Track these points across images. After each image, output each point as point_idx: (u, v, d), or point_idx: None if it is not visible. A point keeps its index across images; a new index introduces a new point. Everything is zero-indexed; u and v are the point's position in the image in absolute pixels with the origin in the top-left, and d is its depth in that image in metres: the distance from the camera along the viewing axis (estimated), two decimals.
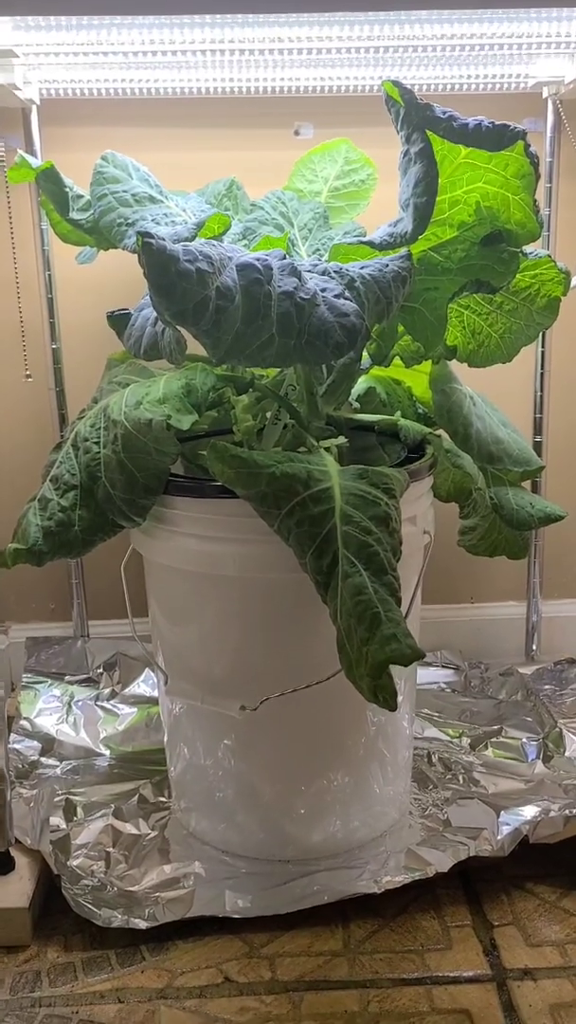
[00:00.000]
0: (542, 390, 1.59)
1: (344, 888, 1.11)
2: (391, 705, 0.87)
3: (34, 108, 1.43)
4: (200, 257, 0.85)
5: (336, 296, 0.91)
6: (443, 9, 1.14)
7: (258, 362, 0.88)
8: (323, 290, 0.91)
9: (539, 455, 1.60)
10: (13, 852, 1.14)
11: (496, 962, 1.05)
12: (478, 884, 1.17)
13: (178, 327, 0.93)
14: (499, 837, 1.16)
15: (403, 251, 1.02)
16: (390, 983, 1.02)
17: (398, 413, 1.30)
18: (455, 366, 1.26)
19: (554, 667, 1.63)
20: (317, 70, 1.37)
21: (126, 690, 1.55)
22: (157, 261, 0.83)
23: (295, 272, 0.90)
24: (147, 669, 1.56)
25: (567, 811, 1.19)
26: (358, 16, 1.16)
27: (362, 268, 0.97)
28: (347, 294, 0.92)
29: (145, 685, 1.56)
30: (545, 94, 1.45)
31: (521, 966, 1.04)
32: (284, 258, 0.93)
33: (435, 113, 0.98)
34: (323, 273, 0.95)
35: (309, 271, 0.94)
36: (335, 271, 0.95)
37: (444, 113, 0.98)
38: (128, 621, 1.23)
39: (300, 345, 0.88)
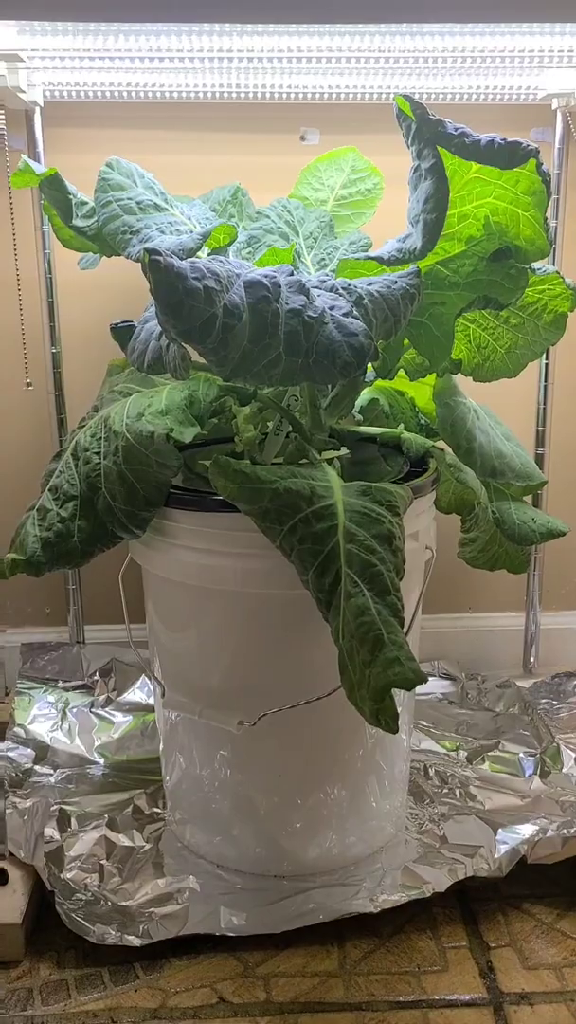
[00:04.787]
0: (545, 402, 1.58)
1: (340, 907, 1.10)
2: (392, 728, 0.86)
3: (37, 110, 1.41)
4: (208, 274, 0.84)
5: (345, 314, 0.89)
6: (453, 23, 1.12)
7: (265, 380, 0.87)
8: (331, 308, 0.89)
9: (541, 467, 1.59)
10: (7, 865, 1.13)
11: (493, 985, 1.04)
12: (474, 903, 1.16)
13: (183, 344, 0.92)
14: (496, 856, 1.15)
15: (412, 267, 1.01)
16: (386, 1006, 1.01)
17: (401, 425, 1.29)
18: (459, 377, 1.25)
19: (552, 680, 1.62)
20: (325, 78, 1.35)
21: (121, 697, 1.54)
22: (164, 279, 0.82)
23: (303, 289, 0.89)
24: (143, 675, 1.55)
25: (564, 831, 1.18)
26: (367, 28, 1.14)
27: (370, 285, 0.96)
28: (355, 312, 0.90)
29: (141, 692, 1.55)
30: (555, 105, 1.44)
31: (518, 990, 1.03)
32: (292, 274, 0.91)
33: (447, 129, 0.96)
34: (331, 290, 0.93)
35: (317, 288, 0.93)
36: (343, 288, 0.93)
37: (456, 129, 0.96)
38: (125, 627, 1.22)
39: (307, 364, 0.86)
